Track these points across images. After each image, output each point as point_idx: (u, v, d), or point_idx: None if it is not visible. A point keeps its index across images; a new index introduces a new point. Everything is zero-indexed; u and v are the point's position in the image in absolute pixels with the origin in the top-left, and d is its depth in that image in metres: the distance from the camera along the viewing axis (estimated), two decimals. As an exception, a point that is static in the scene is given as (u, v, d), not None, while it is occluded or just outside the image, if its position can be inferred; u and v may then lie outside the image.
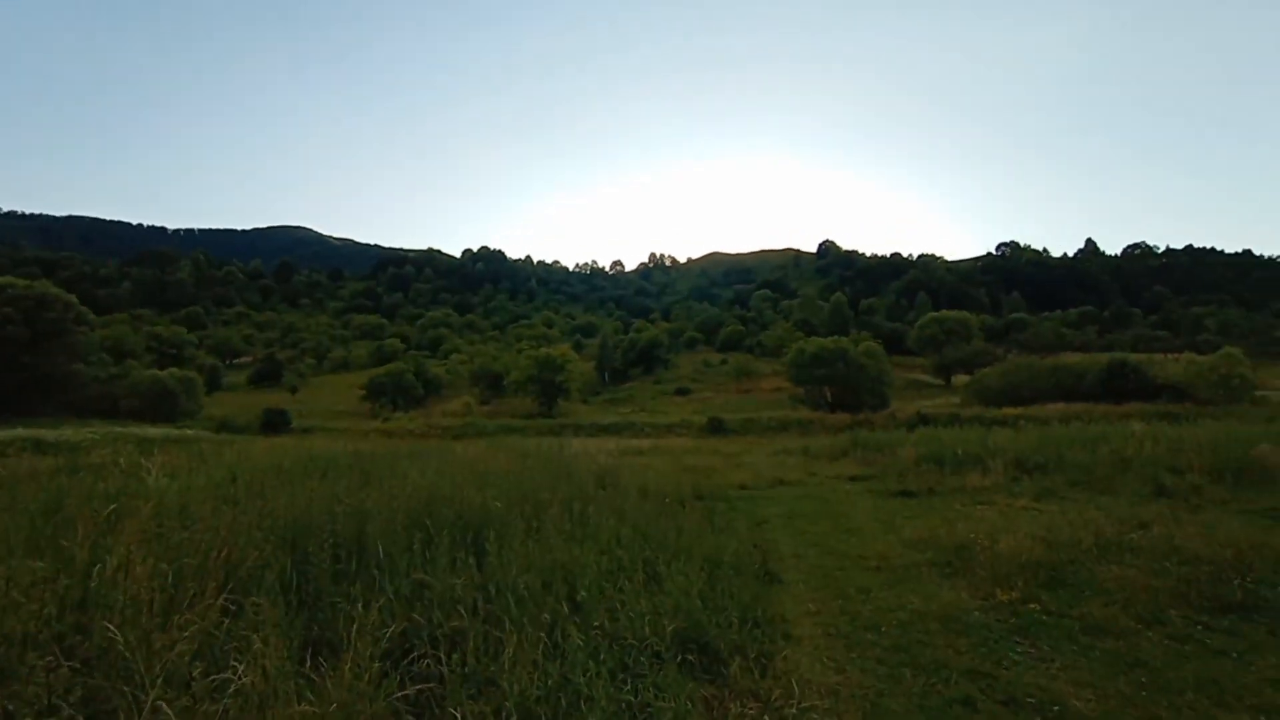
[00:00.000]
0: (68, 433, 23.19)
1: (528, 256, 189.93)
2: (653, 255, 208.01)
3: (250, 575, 3.49)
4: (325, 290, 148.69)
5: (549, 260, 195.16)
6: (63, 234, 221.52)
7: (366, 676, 2.76)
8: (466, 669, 3.06)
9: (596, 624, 3.51)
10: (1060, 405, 28.64)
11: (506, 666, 3.00)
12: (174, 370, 44.19)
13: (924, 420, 26.38)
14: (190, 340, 74.92)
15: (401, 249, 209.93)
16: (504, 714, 2.80)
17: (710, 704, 3.27)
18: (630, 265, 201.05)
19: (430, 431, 34.69)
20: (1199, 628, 4.29)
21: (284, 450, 11.39)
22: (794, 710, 3.27)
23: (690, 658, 3.55)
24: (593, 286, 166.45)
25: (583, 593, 3.86)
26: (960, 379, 49.45)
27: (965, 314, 66.98)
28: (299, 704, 2.60)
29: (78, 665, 2.61)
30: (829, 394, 36.00)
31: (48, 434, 22.29)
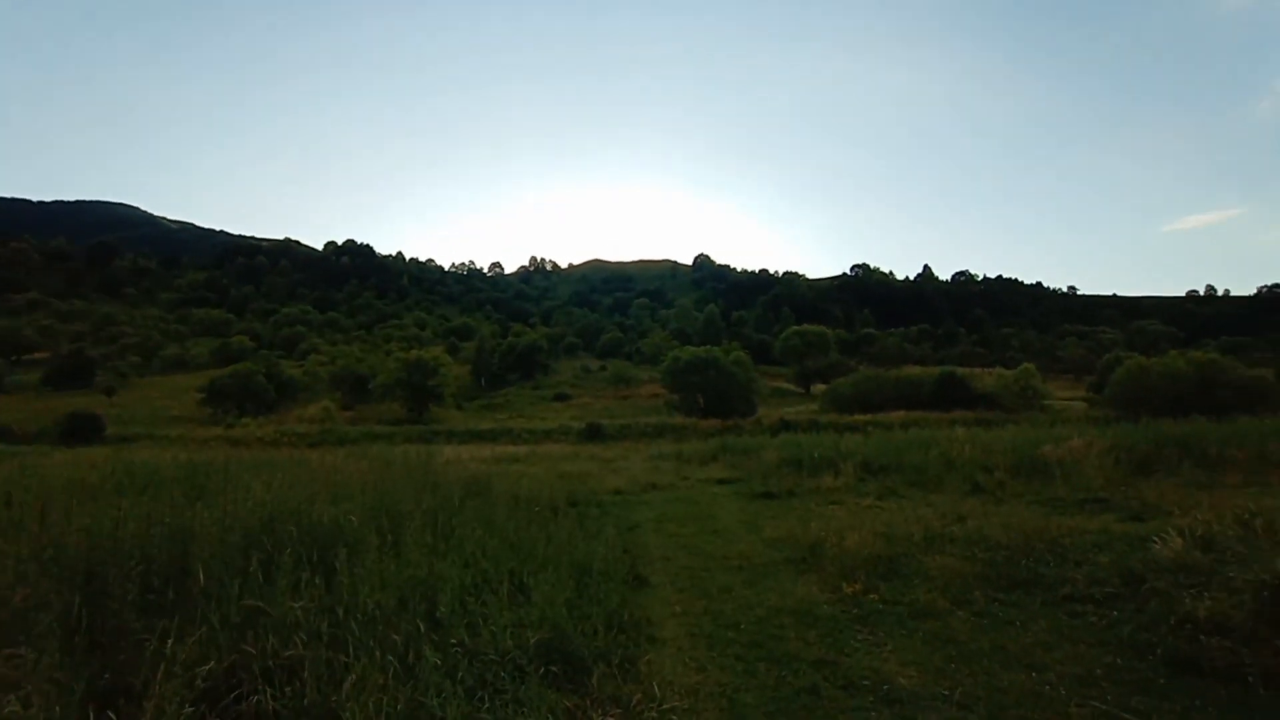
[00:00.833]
0: None
1: (399, 253, 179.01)
2: (533, 259, 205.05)
3: (15, 620, 2.90)
4: (156, 279, 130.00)
5: (423, 258, 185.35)
6: None
7: (173, 724, 2.41)
8: (306, 701, 2.78)
9: (455, 641, 3.36)
10: (902, 412, 32.10)
11: (349, 694, 2.77)
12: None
13: (786, 426, 28.32)
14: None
15: (253, 237, 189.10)
16: (345, 746, 2.59)
17: (573, 714, 3.24)
18: (510, 268, 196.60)
19: (283, 439, 31.47)
20: (995, 603, 4.98)
21: (92, 463, 9.77)
22: (654, 714, 3.33)
23: (554, 668, 3.51)
24: (470, 288, 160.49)
25: (443, 609, 3.68)
26: (819, 387, 53.73)
27: (823, 328, 73.04)
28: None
29: None
30: (702, 400, 37.54)
31: None
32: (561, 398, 58.10)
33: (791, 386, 61.75)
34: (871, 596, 5.28)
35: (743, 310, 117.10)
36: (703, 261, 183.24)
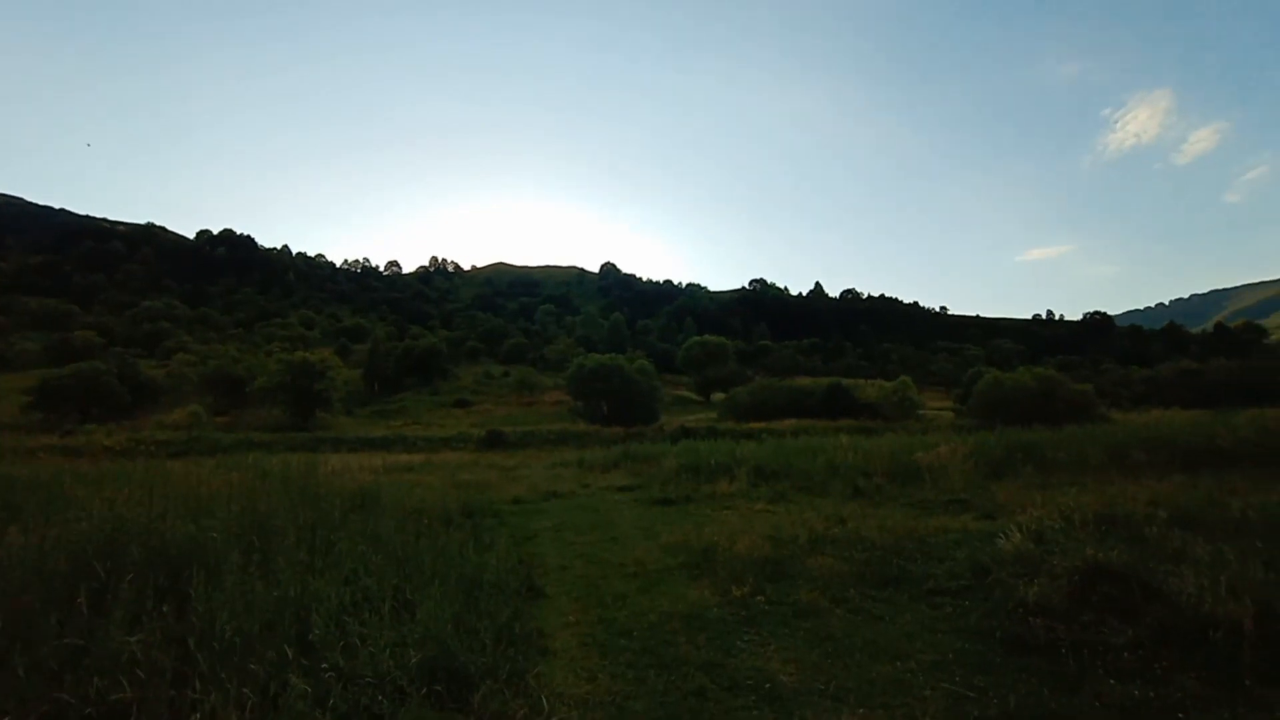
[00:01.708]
0: None
1: (284, 246, 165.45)
2: (434, 259, 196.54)
3: None
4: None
5: (311, 253, 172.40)
6: None
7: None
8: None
9: (328, 665, 3.13)
10: (793, 420, 33.82)
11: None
12: None
13: (686, 433, 29.00)
14: None
15: (104, 219, 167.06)
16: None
17: (456, 734, 3.13)
18: (408, 268, 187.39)
19: (139, 448, 27.95)
20: (869, 600, 5.37)
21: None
22: (542, 726, 3.29)
23: (438, 687, 3.37)
24: (364, 287, 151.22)
25: (316, 631, 3.42)
26: (718, 396, 55.53)
27: (724, 339, 75.62)
28: None
29: None
30: (606, 408, 37.66)
31: None
32: (462, 404, 56.05)
33: (692, 395, 63.39)
34: (759, 598, 5.51)
35: (648, 319, 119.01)
36: (609, 270, 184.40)
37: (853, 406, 37.62)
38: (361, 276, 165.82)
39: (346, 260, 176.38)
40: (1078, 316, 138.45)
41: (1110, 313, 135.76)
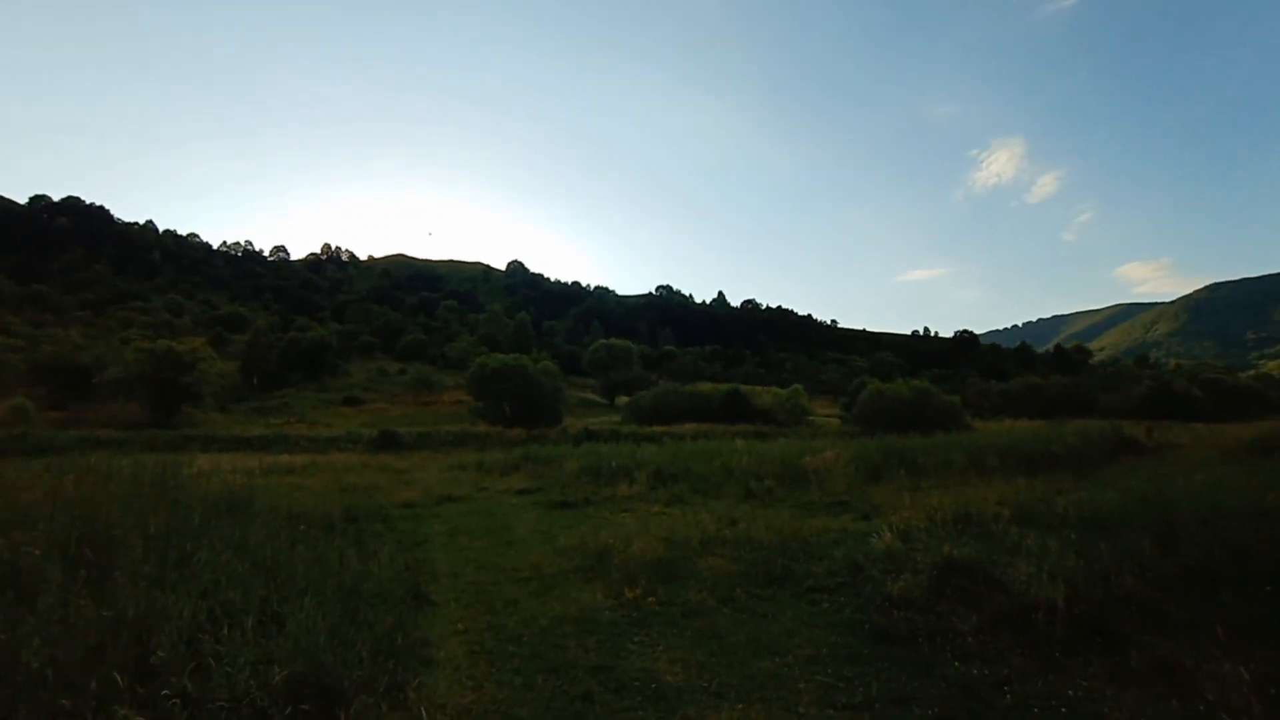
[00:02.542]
0: None
1: (149, 222, 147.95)
2: (327, 246, 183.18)
3: None
4: None
5: (182, 231, 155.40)
6: None
7: None
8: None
9: (170, 691, 2.83)
10: (694, 424, 34.73)
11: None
12: None
13: (590, 436, 28.98)
14: None
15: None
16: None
17: (324, 754, 2.93)
18: (297, 254, 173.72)
19: (-61, 447, 23.84)
20: (754, 599, 5.63)
21: None
22: (420, 740, 3.16)
23: (305, 706, 3.14)
24: (244, 272, 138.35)
25: (161, 652, 3.08)
26: (622, 399, 56.02)
27: (629, 343, 76.35)
28: None
29: None
30: (508, 409, 36.84)
31: None
32: (352, 402, 52.69)
33: (597, 397, 63.49)
34: (650, 600, 5.61)
35: (555, 320, 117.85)
36: (517, 268, 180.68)
37: (749, 412, 39.25)
38: (242, 261, 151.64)
39: (226, 242, 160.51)
40: (949, 334, 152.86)
41: (976, 331, 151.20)
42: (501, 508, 11.54)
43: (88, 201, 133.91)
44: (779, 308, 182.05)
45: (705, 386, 50.17)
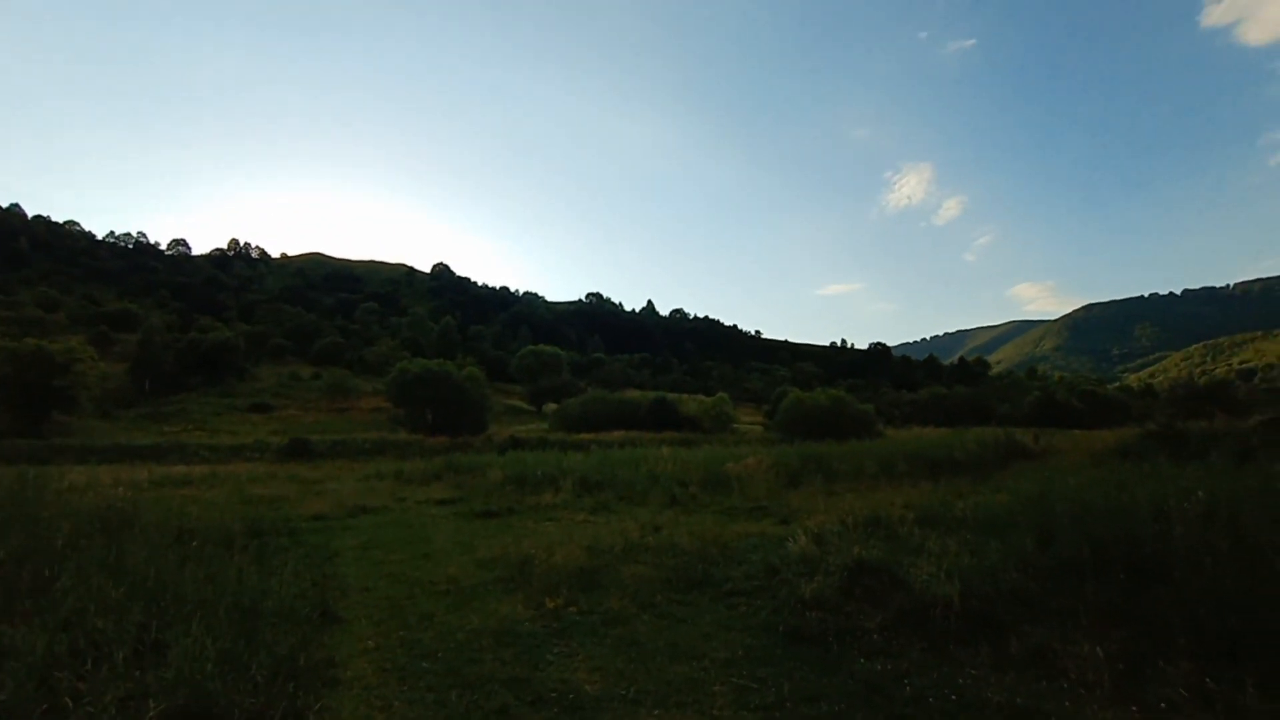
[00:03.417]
0: None
1: (13, 205, 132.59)
2: (234, 242, 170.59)
3: None
4: None
5: (59, 219, 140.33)
6: None
7: None
8: None
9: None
10: (622, 432, 34.80)
11: None
12: None
13: (515, 443, 28.46)
14: None
15: None
16: None
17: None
18: (200, 248, 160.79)
19: None
20: (674, 604, 5.69)
21: None
22: (319, 767, 2.99)
23: (188, 740, 2.90)
24: (136, 265, 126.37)
25: (2, 695, 2.75)
26: (550, 406, 55.36)
27: (558, 350, 75.79)
28: None
29: None
30: (430, 416, 35.58)
31: None
32: (261, 408, 49.20)
33: (524, 404, 62.40)
34: (571, 609, 5.56)
35: (481, 325, 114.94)
36: (442, 271, 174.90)
37: (676, 419, 39.78)
38: (134, 254, 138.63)
39: (114, 233, 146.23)
40: (865, 345, 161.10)
41: (889, 343, 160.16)
42: (420, 518, 11.13)
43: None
44: (706, 318, 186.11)
45: (633, 394, 50.47)
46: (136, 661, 3.22)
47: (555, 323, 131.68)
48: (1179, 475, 7.87)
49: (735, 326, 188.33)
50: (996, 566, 5.28)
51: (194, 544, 6.14)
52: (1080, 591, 4.64)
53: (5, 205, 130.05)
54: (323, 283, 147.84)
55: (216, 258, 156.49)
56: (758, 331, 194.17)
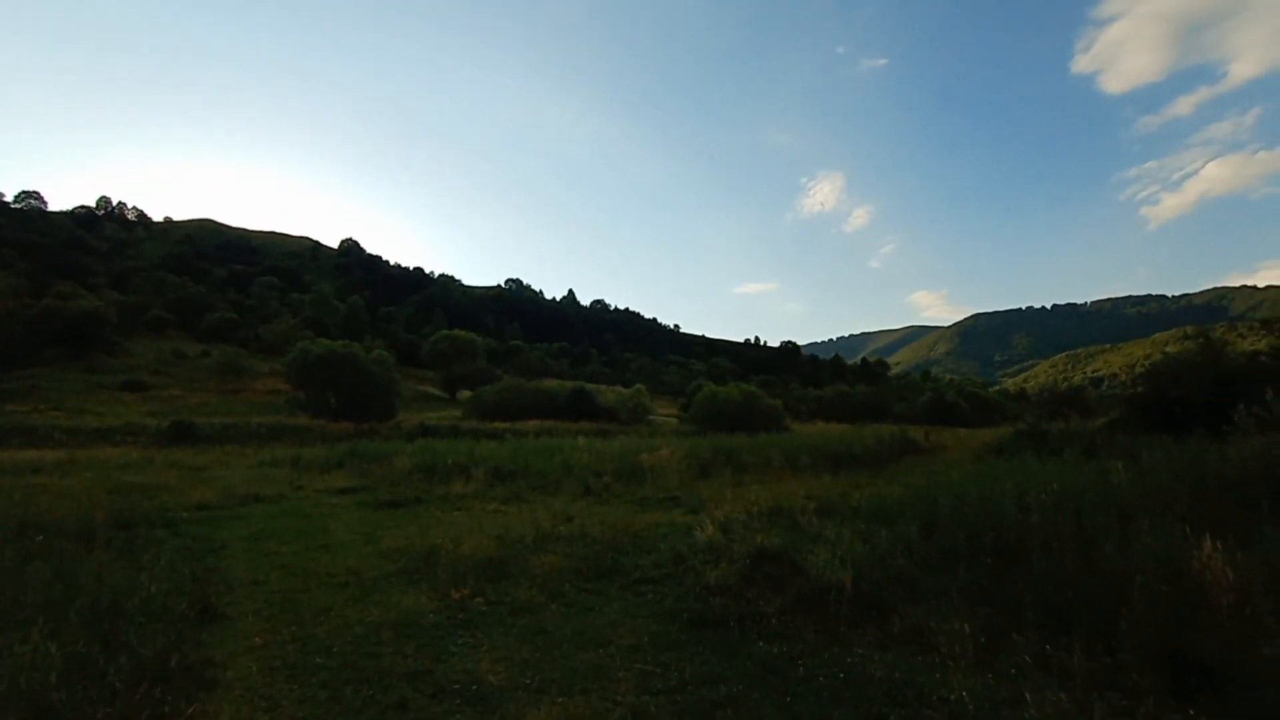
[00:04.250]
0: None
1: None
2: (104, 200, 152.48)
3: None
4: None
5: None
6: None
7: None
8: None
9: None
10: (538, 421, 34.40)
11: None
12: None
13: (426, 431, 27.45)
14: None
15: None
16: None
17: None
18: (60, 204, 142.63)
19: None
20: (583, 593, 5.71)
21: None
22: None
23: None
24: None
25: None
26: (464, 394, 53.80)
27: (474, 335, 73.55)
28: None
29: None
30: (334, 400, 33.59)
31: None
32: (135, 387, 44.41)
33: (437, 391, 60.21)
34: (478, 600, 5.45)
35: (393, 307, 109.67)
36: (351, 247, 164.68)
37: (594, 410, 39.79)
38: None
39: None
40: (776, 343, 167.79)
41: (799, 342, 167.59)
42: (319, 508, 10.55)
43: None
44: (627, 309, 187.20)
45: (551, 383, 49.92)
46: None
47: (472, 308, 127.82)
48: (1040, 469, 8.77)
49: (655, 320, 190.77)
50: (886, 553, 5.68)
51: (40, 539, 5.47)
52: (955, 574, 5.10)
53: None
54: (214, 252, 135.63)
55: (82, 215, 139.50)
56: (677, 325, 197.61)
